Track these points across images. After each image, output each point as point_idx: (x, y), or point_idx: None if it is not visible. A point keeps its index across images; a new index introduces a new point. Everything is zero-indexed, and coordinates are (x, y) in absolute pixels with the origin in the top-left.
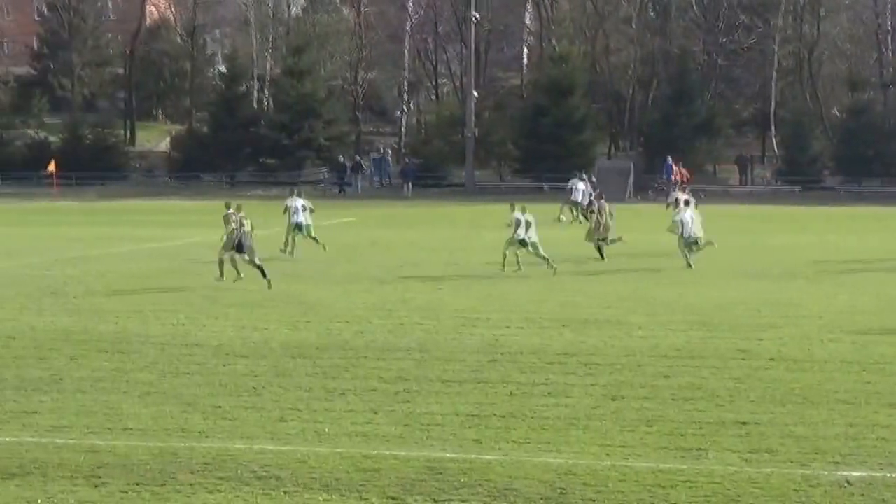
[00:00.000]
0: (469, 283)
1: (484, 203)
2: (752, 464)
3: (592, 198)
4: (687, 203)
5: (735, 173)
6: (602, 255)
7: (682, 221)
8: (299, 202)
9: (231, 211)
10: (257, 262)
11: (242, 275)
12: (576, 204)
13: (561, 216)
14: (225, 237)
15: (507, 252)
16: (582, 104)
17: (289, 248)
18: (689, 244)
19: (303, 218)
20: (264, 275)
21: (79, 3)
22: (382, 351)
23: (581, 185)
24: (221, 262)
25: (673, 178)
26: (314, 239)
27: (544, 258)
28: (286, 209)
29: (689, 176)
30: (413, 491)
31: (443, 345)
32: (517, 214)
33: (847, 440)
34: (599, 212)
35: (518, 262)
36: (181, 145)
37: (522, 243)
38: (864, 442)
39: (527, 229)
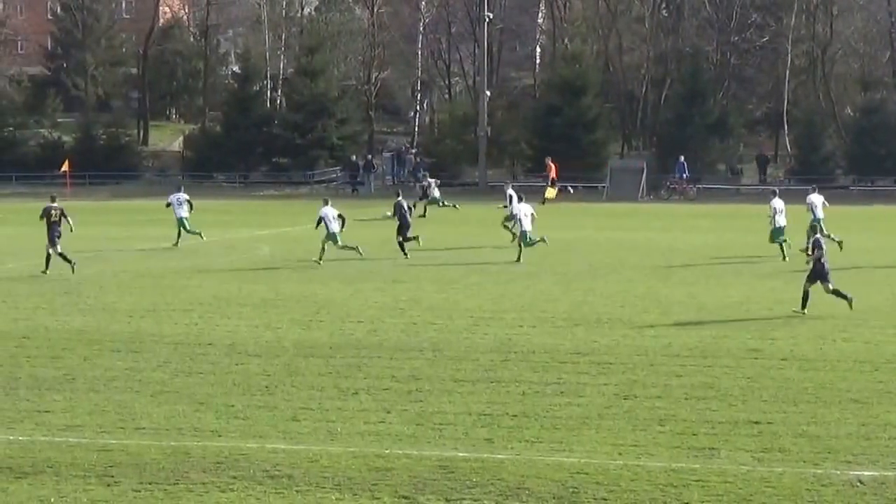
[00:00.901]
0: (482, 283)
1: (496, 202)
2: (765, 463)
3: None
4: (521, 199)
5: (754, 172)
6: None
7: (518, 217)
8: (333, 211)
9: (52, 204)
10: (59, 250)
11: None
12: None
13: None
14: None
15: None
16: (595, 104)
17: (322, 258)
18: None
19: (336, 227)
20: (69, 261)
21: (92, 2)
22: (395, 350)
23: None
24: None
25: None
26: (345, 247)
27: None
28: (320, 220)
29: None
30: (425, 490)
31: (455, 344)
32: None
33: (859, 440)
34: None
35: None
36: (194, 145)
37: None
38: (876, 441)
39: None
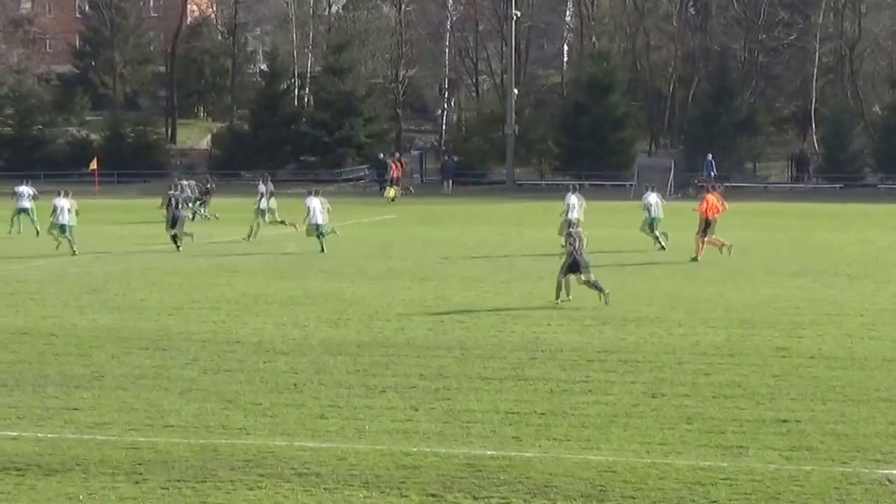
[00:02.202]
0: (509, 281)
1: (524, 201)
2: (793, 461)
3: None
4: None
5: (780, 170)
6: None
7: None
8: (316, 202)
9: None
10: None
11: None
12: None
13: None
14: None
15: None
16: (622, 102)
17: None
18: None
19: (321, 219)
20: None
21: (120, 0)
22: (422, 348)
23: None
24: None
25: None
26: (330, 233)
27: None
28: (309, 211)
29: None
30: (453, 488)
31: (482, 342)
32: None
33: (888, 438)
34: None
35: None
36: (222, 143)
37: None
38: None
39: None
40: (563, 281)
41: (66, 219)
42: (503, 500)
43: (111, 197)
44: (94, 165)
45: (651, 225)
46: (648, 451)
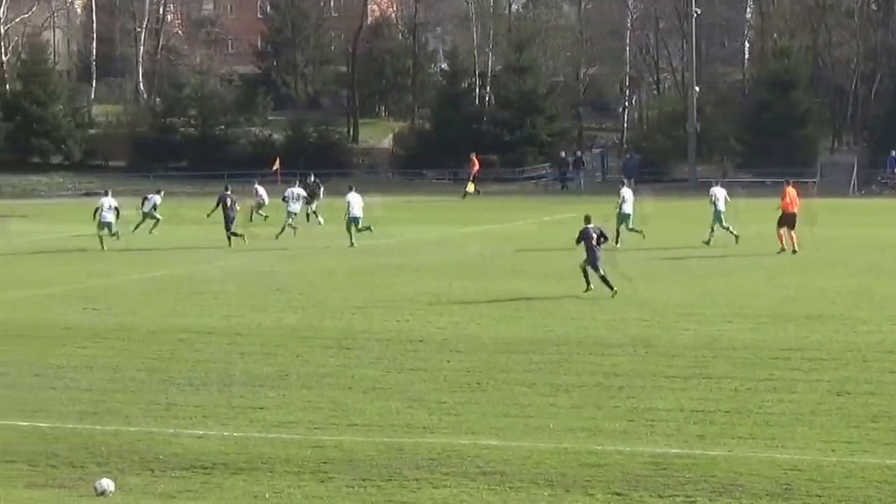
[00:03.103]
0: (684, 279)
1: (706, 199)
2: None
3: None
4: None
5: None
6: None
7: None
8: (356, 198)
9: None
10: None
11: None
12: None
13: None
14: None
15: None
16: (804, 98)
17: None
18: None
19: (358, 213)
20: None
21: (301, 1)
22: (603, 346)
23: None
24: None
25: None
26: (365, 228)
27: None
28: (348, 205)
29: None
30: (638, 486)
31: (661, 340)
32: None
33: None
34: None
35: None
36: (404, 142)
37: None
38: None
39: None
40: (588, 271)
41: (109, 217)
42: (688, 499)
43: None
44: (276, 165)
45: (719, 218)
46: (834, 449)
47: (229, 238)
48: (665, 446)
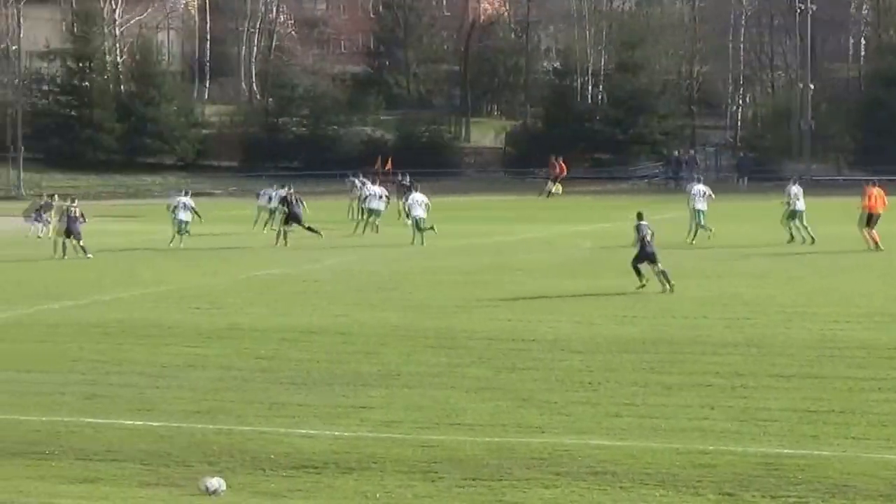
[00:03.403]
0: (797, 278)
1: (818, 196)
2: None
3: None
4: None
5: None
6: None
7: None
8: (419, 197)
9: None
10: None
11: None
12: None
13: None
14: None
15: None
16: None
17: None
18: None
19: (421, 212)
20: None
21: (413, 0)
22: (715, 345)
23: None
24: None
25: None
26: (428, 228)
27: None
28: (365, 198)
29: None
30: (749, 487)
31: (773, 339)
32: None
33: None
34: None
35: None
36: (515, 141)
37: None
38: None
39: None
40: (639, 268)
41: (183, 216)
42: (800, 500)
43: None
44: (388, 165)
45: (793, 216)
46: None
47: (310, 230)
48: (777, 446)
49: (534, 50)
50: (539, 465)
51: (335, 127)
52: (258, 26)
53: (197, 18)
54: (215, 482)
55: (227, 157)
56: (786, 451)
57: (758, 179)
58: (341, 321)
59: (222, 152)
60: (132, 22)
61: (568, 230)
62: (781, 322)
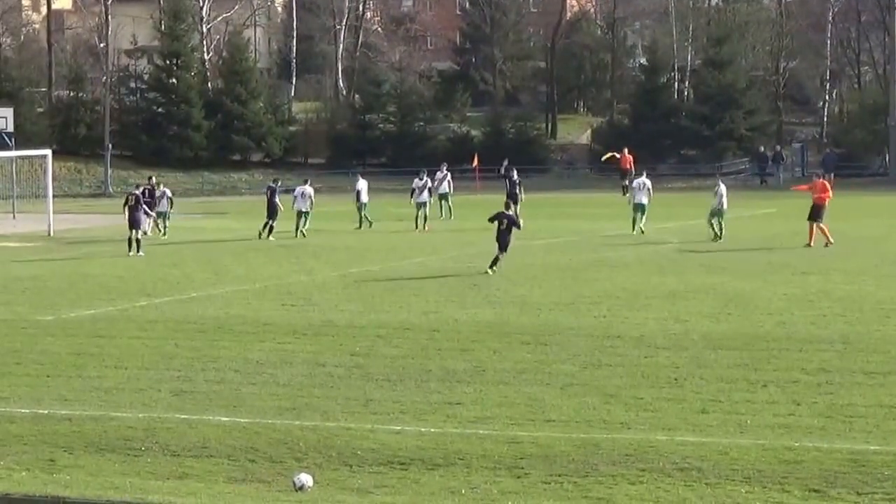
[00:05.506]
0: (891, 274)
1: None
2: None
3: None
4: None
5: None
6: None
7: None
8: (363, 184)
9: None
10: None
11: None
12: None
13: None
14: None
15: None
16: None
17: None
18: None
19: (365, 198)
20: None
21: None
22: (804, 342)
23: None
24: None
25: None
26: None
27: None
28: (358, 193)
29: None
30: (836, 483)
31: (865, 336)
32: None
33: None
34: None
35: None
36: (602, 138)
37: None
38: None
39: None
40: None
41: (303, 205)
42: (887, 496)
43: (491, 193)
44: (475, 162)
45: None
46: None
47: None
48: (864, 443)
49: (620, 46)
50: (625, 461)
51: (422, 124)
52: (345, 23)
53: (284, 16)
54: (303, 478)
55: (314, 154)
56: (872, 447)
57: (845, 175)
58: (433, 317)
59: (310, 149)
60: (220, 19)
61: (655, 226)
62: (875, 319)
